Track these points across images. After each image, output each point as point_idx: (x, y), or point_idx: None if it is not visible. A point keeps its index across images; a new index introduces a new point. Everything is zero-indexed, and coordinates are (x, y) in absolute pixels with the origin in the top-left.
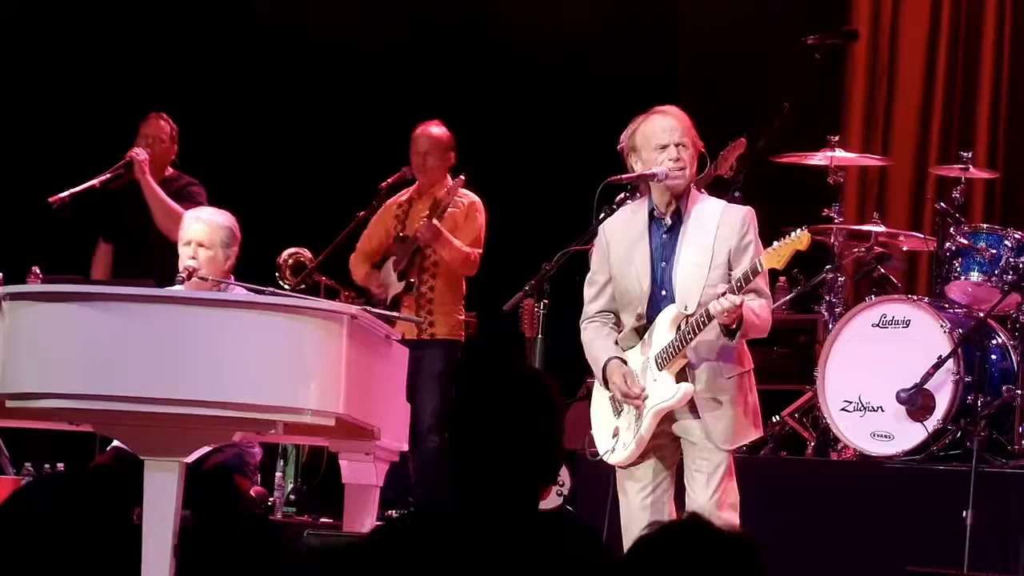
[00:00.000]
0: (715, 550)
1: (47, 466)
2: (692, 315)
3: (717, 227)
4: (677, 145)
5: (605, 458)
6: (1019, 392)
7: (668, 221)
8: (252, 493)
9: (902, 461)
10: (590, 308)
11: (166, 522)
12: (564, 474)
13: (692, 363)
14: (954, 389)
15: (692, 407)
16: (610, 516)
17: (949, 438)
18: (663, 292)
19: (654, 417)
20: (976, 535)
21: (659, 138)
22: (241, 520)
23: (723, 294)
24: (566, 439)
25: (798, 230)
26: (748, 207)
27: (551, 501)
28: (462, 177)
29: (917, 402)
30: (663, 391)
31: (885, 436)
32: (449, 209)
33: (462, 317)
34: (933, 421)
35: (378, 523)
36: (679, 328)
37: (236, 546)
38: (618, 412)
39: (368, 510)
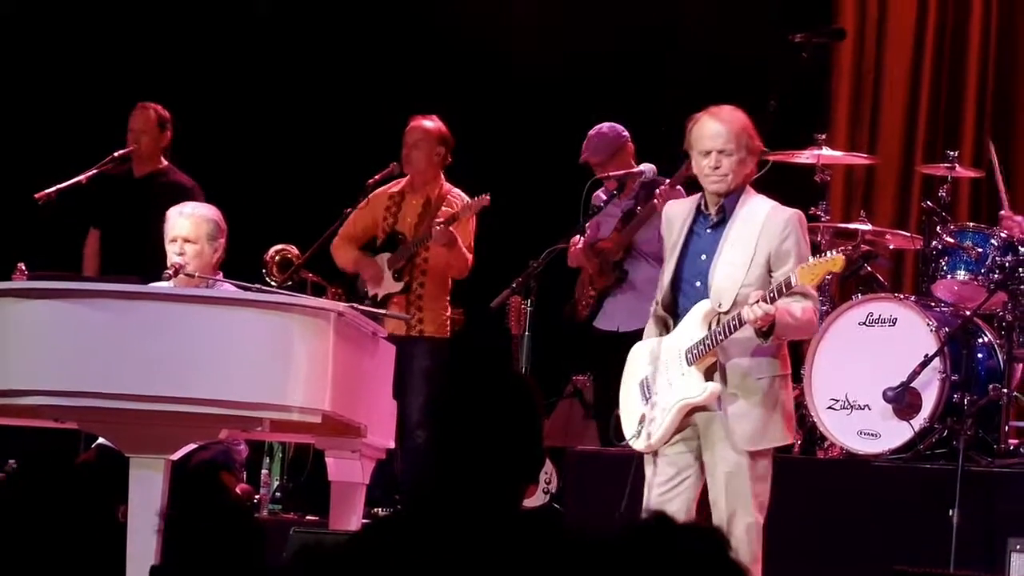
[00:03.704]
0: (676, 546)
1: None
2: (726, 313)
3: (761, 228)
4: (720, 152)
5: (630, 443)
6: (1005, 391)
7: (714, 218)
8: (238, 490)
9: (888, 460)
10: (656, 295)
11: (151, 520)
12: (551, 472)
13: (722, 362)
14: (940, 388)
15: (718, 405)
16: (627, 508)
17: (936, 437)
18: (698, 284)
19: (679, 411)
20: (962, 534)
21: (703, 144)
22: (223, 514)
23: (756, 302)
24: (552, 437)
25: (834, 251)
26: (797, 211)
27: (537, 499)
28: (487, 197)
29: (904, 400)
30: (691, 387)
31: (871, 434)
32: (443, 209)
33: (448, 314)
34: (919, 420)
35: (365, 521)
36: (711, 325)
37: (219, 541)
38: (646, 399)
39: (354, 508)
